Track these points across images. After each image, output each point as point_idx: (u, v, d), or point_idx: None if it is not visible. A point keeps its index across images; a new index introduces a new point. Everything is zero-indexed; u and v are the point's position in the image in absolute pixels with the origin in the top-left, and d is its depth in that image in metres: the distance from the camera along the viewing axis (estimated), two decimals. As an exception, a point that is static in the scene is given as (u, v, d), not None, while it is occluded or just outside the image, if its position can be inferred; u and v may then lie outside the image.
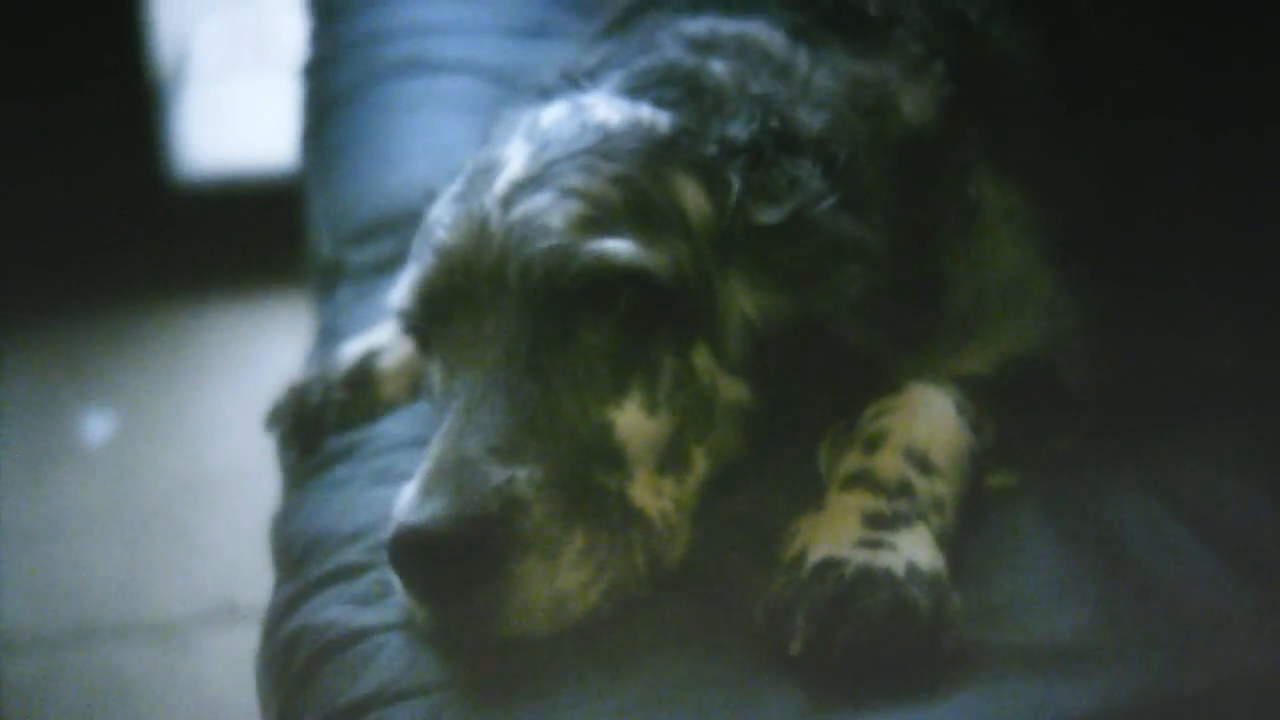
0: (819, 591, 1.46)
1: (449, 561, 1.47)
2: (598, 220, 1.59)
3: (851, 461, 1.63)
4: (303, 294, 2.77)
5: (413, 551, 1.48)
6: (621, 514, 1.55)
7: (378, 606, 1.62)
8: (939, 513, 1.59)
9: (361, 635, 1.59)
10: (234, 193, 4.59)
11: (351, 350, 2.05)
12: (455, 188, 1.70)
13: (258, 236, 4.13)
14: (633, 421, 1.58)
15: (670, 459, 1.60)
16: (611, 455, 1.56)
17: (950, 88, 1.86)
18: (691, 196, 1.65)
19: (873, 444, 1.63)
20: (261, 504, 2.03)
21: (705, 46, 1.82)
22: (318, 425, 1.98)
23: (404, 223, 1.82)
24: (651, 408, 1.59)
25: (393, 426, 1.93)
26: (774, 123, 1.71)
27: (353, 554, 1.72)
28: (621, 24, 1.98)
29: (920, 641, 1.45)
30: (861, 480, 1.60)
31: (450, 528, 1.46)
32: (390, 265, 2.09)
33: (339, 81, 2.99)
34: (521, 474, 1.49)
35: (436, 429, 1.58)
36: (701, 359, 1.63)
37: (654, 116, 1.69)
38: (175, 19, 4.86)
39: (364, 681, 1.53)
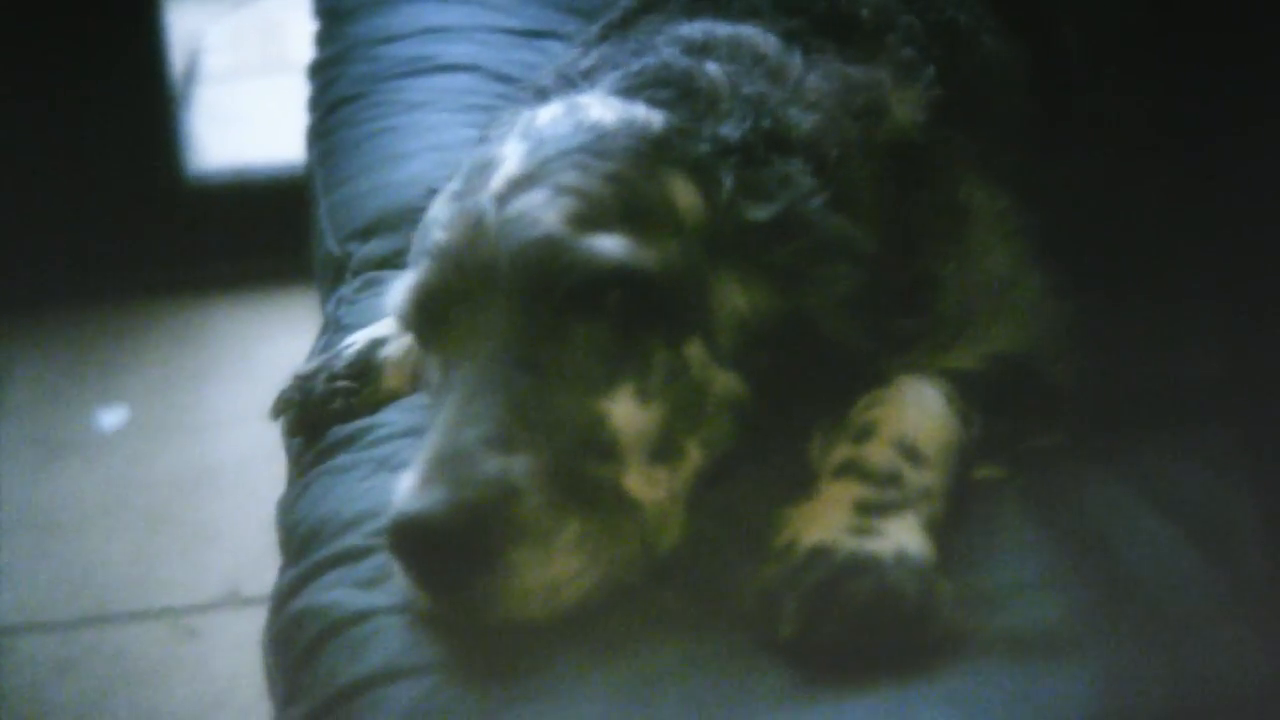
0: (809, 577, 1.47)
1: (446, 549, 1.48)
2: (590, 217, 1.60)
3: (842, 452, 1.64)
4: (310, 290, 2.79)
5: (411, 539, 1.50)
6: (615, 503, 1.56)
7: (379, 589, 1.63)
8: (928, 501, 1.60)
9: (363, 616, 1.60)
10: (243, 190, 4.60)
11: (355, 341, 2.07)
12: (453, 186, 1.71)
13: (266, 233, 4.15)
14: (625, 412, 1.59)
15: (663, 449, 1.61)
16: (605, 446, 1.57)
17: (941, 92, 1.88)
18: (684, 194, 1.66)
19: (863, 434, 1.64)
20: (268, 495, 2.04)
21: (700, 49, 1.84)
22: (322, 414, 2.00)
23: (407, 219, 1.84)
24: (643, 399, 1.60)
25: (395, 416, 1.95)
26: (766, 122, 1.73)
27: (355, 538, 1.74)
28: (619, 26, 2.02)
29: (908, 626, 1.45)
30: (852, 469, 1.61)
31: (447, 516, 1.47)
32: (394, 260, 2.11)
33: (345, 81, 3.01)
34: (516, 463, 1.50)
35: (433, 420, 1.59)
36: (694, 352, 1.64)
37: (648, 116, 1.71)
38: (186, 21, 4.89)
39: (365, 661, 1.55)
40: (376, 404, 2.00)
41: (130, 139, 4.43)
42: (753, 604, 1.51)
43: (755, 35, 1.87)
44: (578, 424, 1.57)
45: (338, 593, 1.67)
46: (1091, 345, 1.85)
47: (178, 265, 4.48)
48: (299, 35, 3.59)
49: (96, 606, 3.44)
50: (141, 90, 4.46)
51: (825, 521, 1.54)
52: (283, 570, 1.82)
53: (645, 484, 1.59)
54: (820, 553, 1.50)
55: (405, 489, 1.52)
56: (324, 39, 3.30)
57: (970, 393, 1.74)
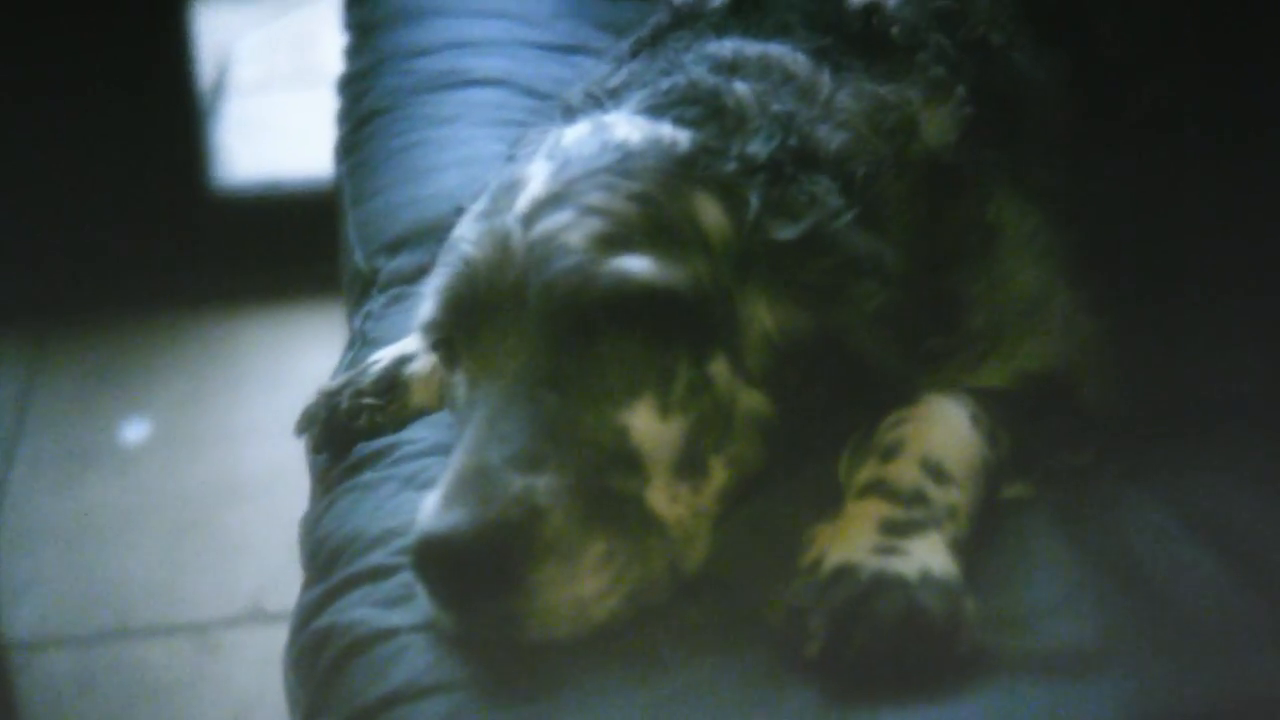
0: (835, 595, 1.47)
1: (471, 569, 1.48)
2: (617, 237, 1.61)
3: (868, 471, 1.63)
4: (337, 304, 2.80)
5: (435, 559, 1.50)
6: (640, 520, 1.56)
7: (404, 608, 1.63)
8: (953, 520, 1.59)
9: (387, 635, 1.60)
10: (272, 203, 4.63)
11: (382, 357, 2.07)
12: (479, 205, 1.72)
13: (295, 246, 4.16)
14: (645, 424, 1.59)
15: (688, 466, 1.61)
16: (628, 460, 1.57)
17: (971, 111, 1.87)
18: (710, 213, 1.66)
19: (889, 453, 1.64)
20: (292, 509, 2.05)
21: (729, 67, 1.84)
22: (348, 430, 2.00)
23: (436, 234, 1.84)
24: (664, 411, 1.60)
25: (421, 433, 1.95)
26: (794, 141, 1.73)
27: (380, 556, 1.73)
28: (649, 43, 2.01)
29: (934, 645, 1.45)
30: (877, 489, 1.60)
31: (471, 536, 1.47)
32: (421, 275, 2.08)
33: (375, 94, 3.02)
34: (540, 482, 1.50)
35: (458, 439, 1.59)
36: (719, 370, 1.64)
37: (674, 135, 1.71)
38: (217, 33, 4.91)
39: (389, 679, 1.55)
40: (402, 421, 2.00)
41: (159, 151, 4.46)
42: (779, 622, 1.51)
43: (785, 54, 1.87)
44: (601, 439, 1.57)
45: (362, 611, 1.66)
46: (1124, 362, 1.84)
47: (205, 277, 4.49)
48: (329, 47, 3.61)
49: (119, 621, 3.45)
50: (171, 102, 4.49)
51: (851, 540, 1.54)
52: (306, 587, 1.82)
53: (669, 501, 1.60)
54: (846, 571, 1.50)
55: (429, 508, 1.52)
56: (354, 52, 3.32)
57: (998, 411, 1.74)
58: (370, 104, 3.01)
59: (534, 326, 1.60)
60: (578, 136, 1.72)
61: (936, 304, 1.76)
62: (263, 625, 3.34)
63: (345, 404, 2.02)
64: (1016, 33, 2.02)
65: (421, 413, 2.00)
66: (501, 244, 1.64)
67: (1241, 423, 1.82)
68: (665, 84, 1.81)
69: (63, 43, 4.28)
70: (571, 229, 1.61)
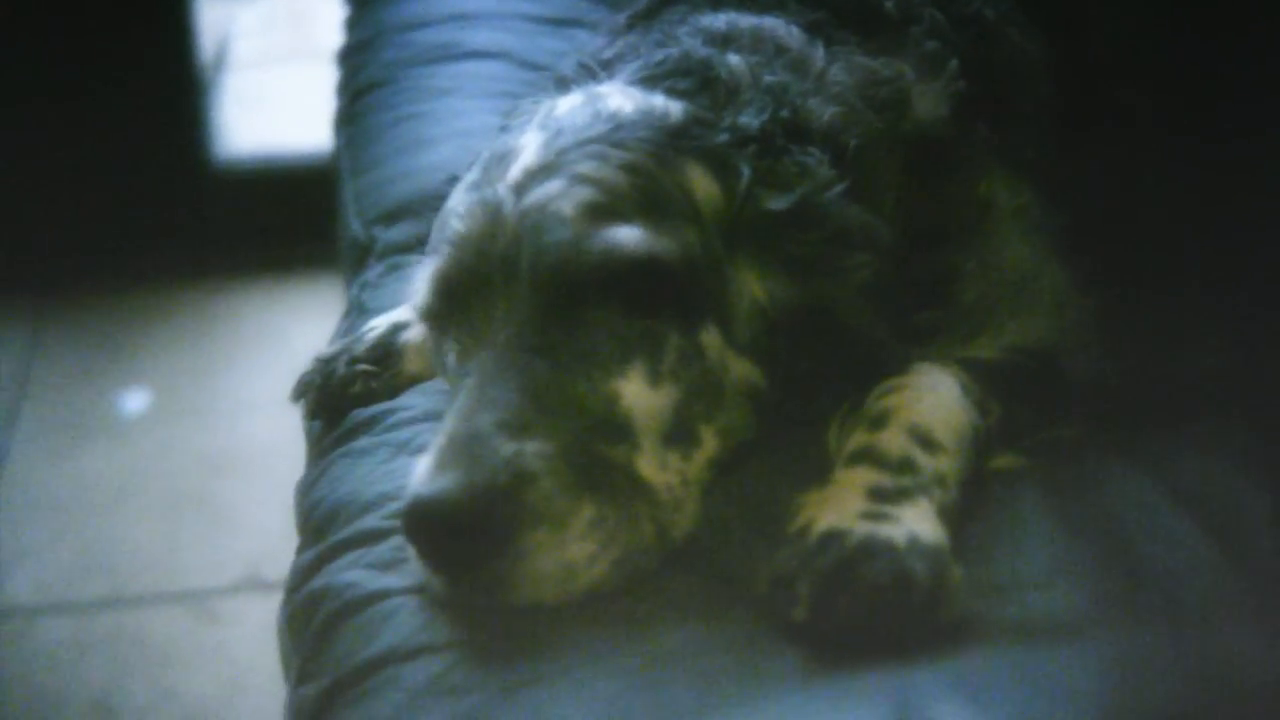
0: (822, 561, 1.48)
1: (460, 532, 1.50)
2: (608, 207, 1.62)
3: (857, 439, 1.64)
4: (336, 276, 2.80)
5: (426, 523, 1.51)
6: (629, 487, 1.57)
7: (396, 571, 1.65)
8: (941, 488, 1.60)
9: (379, 596, 1.62)
10: (271, 175, 4.63)
11: (378, 325, 2.08)
12: (471, 176, 1.73)
13: (294, 218, 4.15)
14: (635, 392, 1.60)
15: (677, 434, 1.62)
16: (618, 426, 1.58)
17: (964, 86, 1.88)
18: (701, 183, 1.67)
19: (878, 422, 1.65)
20: (288, 480, 2.05)
21: (722, 39, 1.85)
22: (342, 397, 2.01)
23: (432, 204, 1.84)
24: (654, 379, 1.61)
25: (415, 400, 1.96)
26: (785, 113, 1.73)
27: (373, 521, 1.75)
28: (645, 16, 2.02)
29: (920, 611, 1.46)
30: (866, 456, 1.61)
31: (461, 500, 1.48)
32: (417, 245, 2.10)
33: (373, 67, 3.04)
34: (530, 448, 1.51)
35: (450, 405, 1.60)
36: (710, 339, 1.65)
37: (666, 105, 1.72)
38: (216, 7, 4.90)
39: (380, 640, 1.57)
40: (397, 388, 2.01)
41: (159, 124, 4.46)
42: (766, 588, 1.52)
43: (778, 26, 1.88)
44: (591, 406, 1.58)
45: (354, 573, 1.68)
46: (1112, 338, 1.85)
47: (205, 249, 4.49)
48: (328, 21, 3.62)
49: (117, 589, 3.46)
50: (171, 76, 4.49)
51: (839, 507, 1.55)
52: (300, 551, 1.84)
53: (658, 468, 1.61)
54: (833, 537, 1.50)
55: (421, 472, 1.53)
56: (353, 24, 3.33)
57: (988, 382, 1.74)
58: (368, 76, 3.02)
59: (525, 295, 1.61)
60: (570, 107, 1.73)
61: (928, 278, 1.77)
62: (259, 594, 3.34)
63: (340, 371, 2.03)
64: (1010, 11, 2.03)
65: (415, 380, 2.01)
66: (493, 214, 1.65)
67: (1226, 398, 1.82)
68: (659, 55, 1.82)
69: (64, 18, 4.28)
70: (563, 198, 1.62)
